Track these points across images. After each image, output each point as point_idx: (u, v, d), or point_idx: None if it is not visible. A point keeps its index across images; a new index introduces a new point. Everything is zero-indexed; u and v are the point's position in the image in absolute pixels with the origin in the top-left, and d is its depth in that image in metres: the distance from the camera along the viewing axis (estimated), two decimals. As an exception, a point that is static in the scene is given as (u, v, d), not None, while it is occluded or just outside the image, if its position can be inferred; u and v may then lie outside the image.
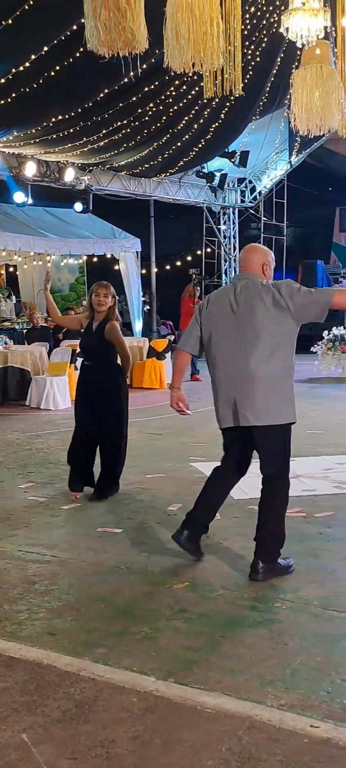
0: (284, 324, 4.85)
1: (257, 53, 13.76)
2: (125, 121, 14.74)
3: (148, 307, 23.22)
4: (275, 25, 11.83)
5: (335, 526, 6.11)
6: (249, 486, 7.26)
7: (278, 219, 25.66)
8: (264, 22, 12.99)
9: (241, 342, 4.88)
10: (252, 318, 4.86)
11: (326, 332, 16.96)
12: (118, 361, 7.21)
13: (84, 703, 3.39)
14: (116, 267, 20.03)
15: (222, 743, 3.05)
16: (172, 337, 19.31)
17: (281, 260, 26.89)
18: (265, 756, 2.97)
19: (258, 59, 13.88)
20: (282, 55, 14.27)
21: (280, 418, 4.88)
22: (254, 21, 12.80)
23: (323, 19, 8.94)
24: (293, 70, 10.42)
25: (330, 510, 6.53)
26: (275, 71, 14.95)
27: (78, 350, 11.23)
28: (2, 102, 12.06)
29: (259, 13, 12.78)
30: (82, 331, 7.46)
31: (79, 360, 9.47)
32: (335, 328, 17.15)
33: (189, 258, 30.08)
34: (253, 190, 24.01)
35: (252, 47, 13.45)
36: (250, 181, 23.72)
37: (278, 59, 14.49)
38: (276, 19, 11.88)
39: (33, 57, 11.01)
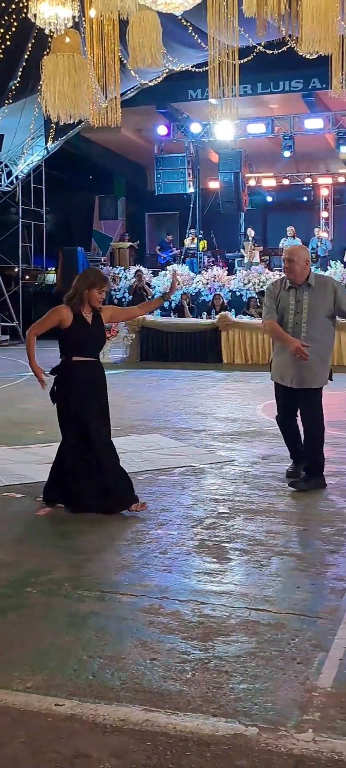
0: None
1: (7, 37, 13.59)
2: None
3: None
4: (24, 10, 11.75)
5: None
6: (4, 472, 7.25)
7: (37, 205, 25.54)
8: (13, 6, 12.84)
9: None
10: None
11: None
12: None
13: None
14: None
15: None
16: None
17: (42, 246, 26.84)
18: (8, 739, 3.01)
19: (8, 43, 13.72)
20: (33, 40, 14.21)
21: None
22: (3, 4, 12.63)
23: (71, 9, 9.05)
24: (45, 57, 10.42)
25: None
26: (26, 56, 14.84)
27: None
28: None
29: (7, -4, 12.65)
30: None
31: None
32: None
33: None
34: (9, 174, 23.66)
35: (2, 30, 13.27)
36: (6, 165, 23.36)
37: (29, 44, 14.40)
38: (25, 3, 11.80)
39: None
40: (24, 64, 15.12)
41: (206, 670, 3.56)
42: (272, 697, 3.32)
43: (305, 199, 28.06)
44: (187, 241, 26.07)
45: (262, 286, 21.80)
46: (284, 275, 6.77)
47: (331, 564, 4.88)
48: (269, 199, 28.53)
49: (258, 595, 4.39)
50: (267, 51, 13.61)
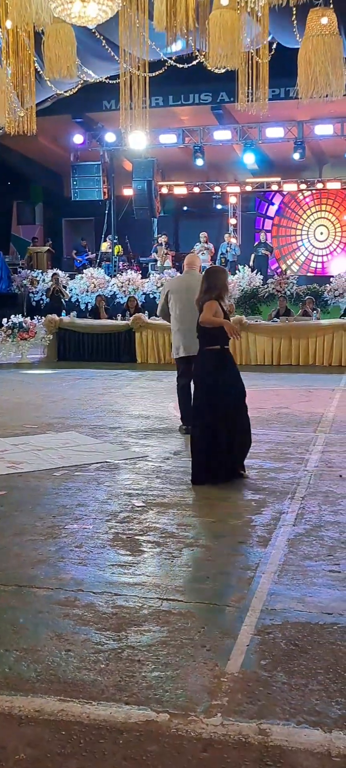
0: None
1: None
2: None
3: None
4: None
5: (7, 504, 6.29)
6: None
7: None
8: None
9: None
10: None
11: (5, 320, 17.20)
12: None
13: None
14: None
15: None
16: None
17: None
18: None
19: None
20: None
21: None
22: None
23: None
24: None
25: (3, 489, 6.70)
26: None
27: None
28: None
29: None
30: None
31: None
32: (13, 315, 17.43)
33: None
34: None
35: None
36: None
37: None
38: None
39: None
40: None
41: (119, 659, 3.64)
42: (182, 683, 3.43)
43: (216, 206, 28.61)
44: (104, 246, 26.30)
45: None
46: None
47: (238, 554, 5.07)
48: (184, 207, 28.93)
49: (169, 586, 4.53)
50: (178, 65, 13.85)
